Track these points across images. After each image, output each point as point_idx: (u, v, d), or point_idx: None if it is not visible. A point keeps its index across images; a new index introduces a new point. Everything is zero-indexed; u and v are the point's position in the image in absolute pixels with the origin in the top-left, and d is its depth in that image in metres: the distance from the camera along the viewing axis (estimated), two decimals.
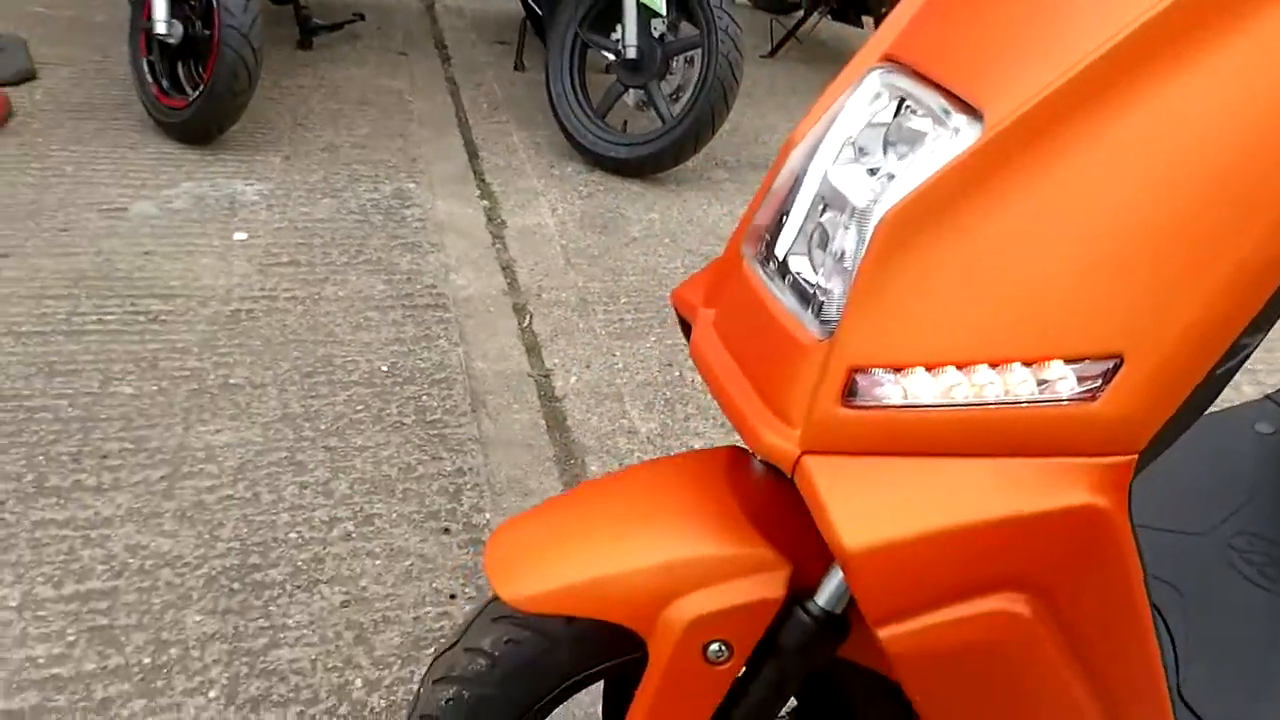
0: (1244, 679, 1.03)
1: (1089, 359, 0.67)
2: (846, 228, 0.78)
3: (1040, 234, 0.68)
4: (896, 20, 0.89)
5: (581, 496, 0.95)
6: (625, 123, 3.20)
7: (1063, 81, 0.68)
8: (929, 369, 0.71)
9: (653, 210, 2.91)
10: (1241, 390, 2.34)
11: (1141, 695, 0.81)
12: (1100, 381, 0.67)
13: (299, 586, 1.51)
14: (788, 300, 0.81)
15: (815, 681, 0.97)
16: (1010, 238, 0.69)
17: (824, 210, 0.81)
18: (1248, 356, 0.71)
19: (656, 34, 3.00)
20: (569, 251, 2.63)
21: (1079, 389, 0.68)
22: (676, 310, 1.01)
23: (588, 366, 2.16)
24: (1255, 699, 1.01)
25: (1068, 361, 0.68)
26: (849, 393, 0.73)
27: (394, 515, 1.67)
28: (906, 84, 0.79)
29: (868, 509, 0.71)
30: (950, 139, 0.73)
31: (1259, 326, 0.69)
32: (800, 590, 0.83)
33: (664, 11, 2.87)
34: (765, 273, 0.85)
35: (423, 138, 3.22)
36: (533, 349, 2.21)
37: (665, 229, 2.80)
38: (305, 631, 1.43)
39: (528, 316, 2.32)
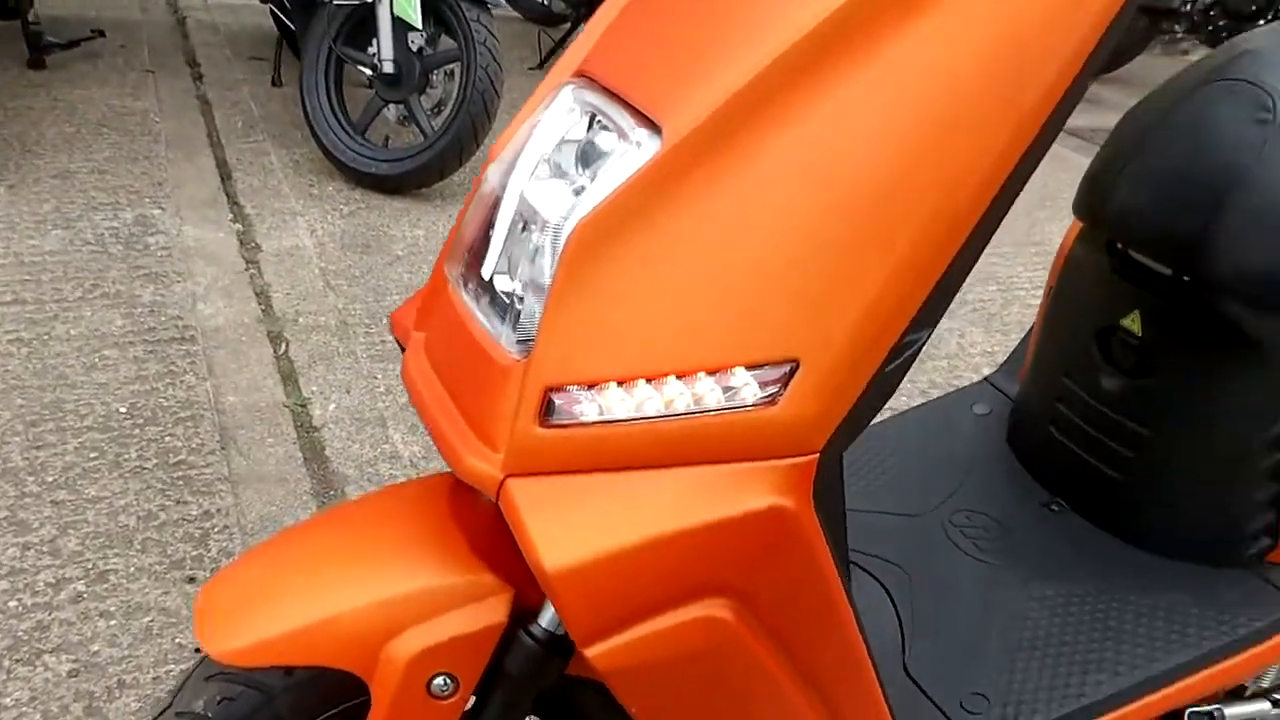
0: (960, 648, 1.10)
1: (768, 364, 0.69)
2: (541, 245, 0.77)
3: (718, 244, 0.69)
4: (590, 34, 0.89)
5: (293, 538, 0.90)
6: (387, 138, 3.12)
7: (732, 93, 0.69)
8: (621, 383, 0.71)
9: (418, 227, 2.85)
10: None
11: (850, 683, 0.84)
12: (779, 386, 0.69)
13: (19, 660, 1.37)
14: (489, 321, 0.80)
15: (548, 701, 0.96)
16: (691, 249, 0.70)
17: (523, 228, 0.80)
18: (917, 353, 0.75)
19: (415, 47, 2.94)
20: (328, 273, 2.53)
21: (761, 394, 0.69)
22: (393, 334, 0.98)
23: (348, 392, 2.09)
24: (968, 664, 1.07)
25: (749, 368, 0.69)
26: (546, 412, 0.72)
27: (132, 569, 1.55)
28: (596, 99, 0.79)
29: (567, 529, 0.70)
30: (634, 153, 0.73)
31: (923, 324, 0.72)
32: (524, 614, 0.82)
33: (420, 25, 2.81)
34: (468, 294, 0.83)
35: (170, 160, 3.03)
36: (289, 377, 2.12)
37: (430, 246, 2.75)
38: (26, 710, 1.31)
39: (284, 344, 2.22)
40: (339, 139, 2.99)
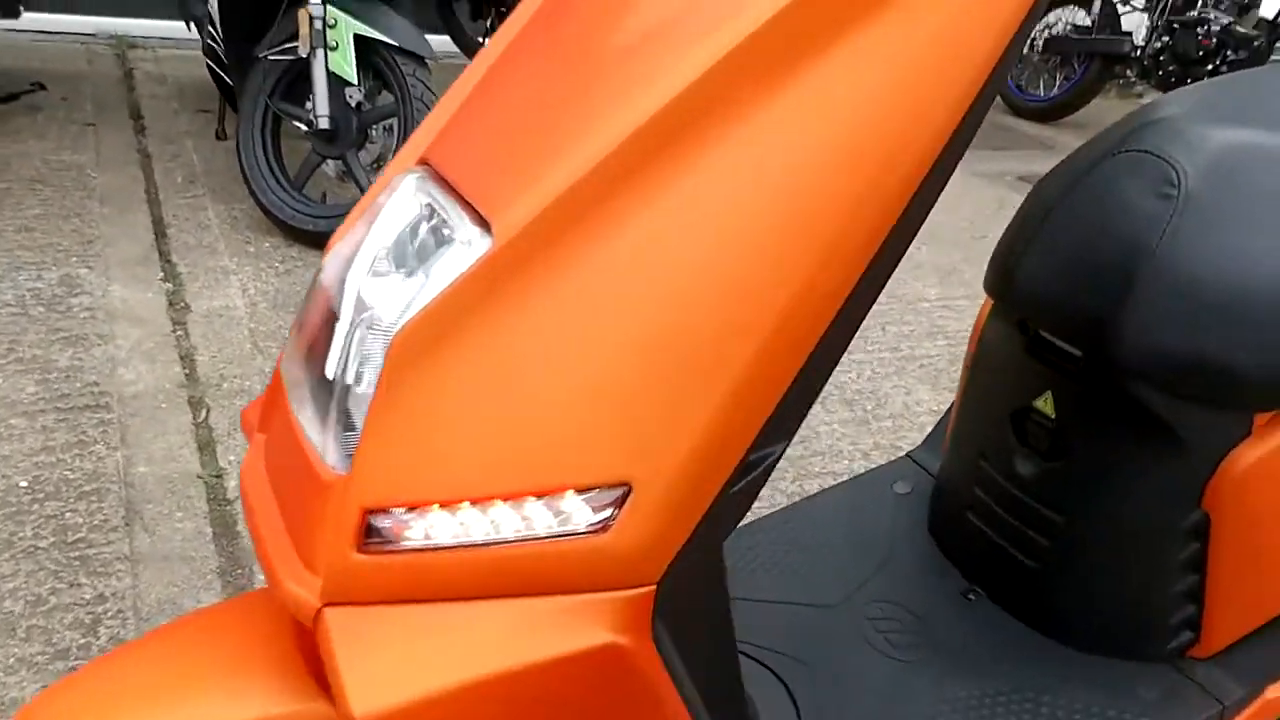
0: None
1: (598, 488, 0.63)
2: (372, 350, 0.71)
3: (545, 356, 0.63)
4: (438, 115, 0.84)
5: (124, 656, 0.83)
6: (324, 194, 3.07)
7: (560, 192, 0.64)
8: (445, 506, 0.65)
9: None
10: None
11: None
12: (612, 511, 0.63)
13: None
14: (315, 430, 0.73)
15: None
16: (517, 361, 0.64)
17: (359, 328, 0.74)
18: (769, 469, 0.69)
19: (352, 102, 2.89)
20: (258, 335, 2.46)
21: (592, 520, 0.63)
22: (244, 431, 0.92)
23: None
24: None
25: (578, 492, 0.63)
26: (366, 535, 0.66)
27: (11, 660, 1.46)
28: (434, 191, 0.74)
29: (380, 668, 0.64)
30: (464, 253, 0.68)
31: (772, 439, 0.66)
32: None
33: (355, 80, 2.77)
34: (297, 397, 0.77)
35: (102, 216, 2.97)
36: (206, 447, 2.04)
37: None
38: None
39: (204, 411, 2.14)
40: (276, 195, 2.94)
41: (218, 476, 1.96)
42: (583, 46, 0.72)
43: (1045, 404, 1.12)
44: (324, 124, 2.82)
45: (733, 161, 0.62)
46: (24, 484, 1.84)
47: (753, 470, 0.66)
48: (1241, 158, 0.99)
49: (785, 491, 2.03)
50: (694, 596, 0.69)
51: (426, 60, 2.84)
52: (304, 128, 2.87)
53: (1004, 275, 1.12)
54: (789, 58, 0.61)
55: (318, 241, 2.92)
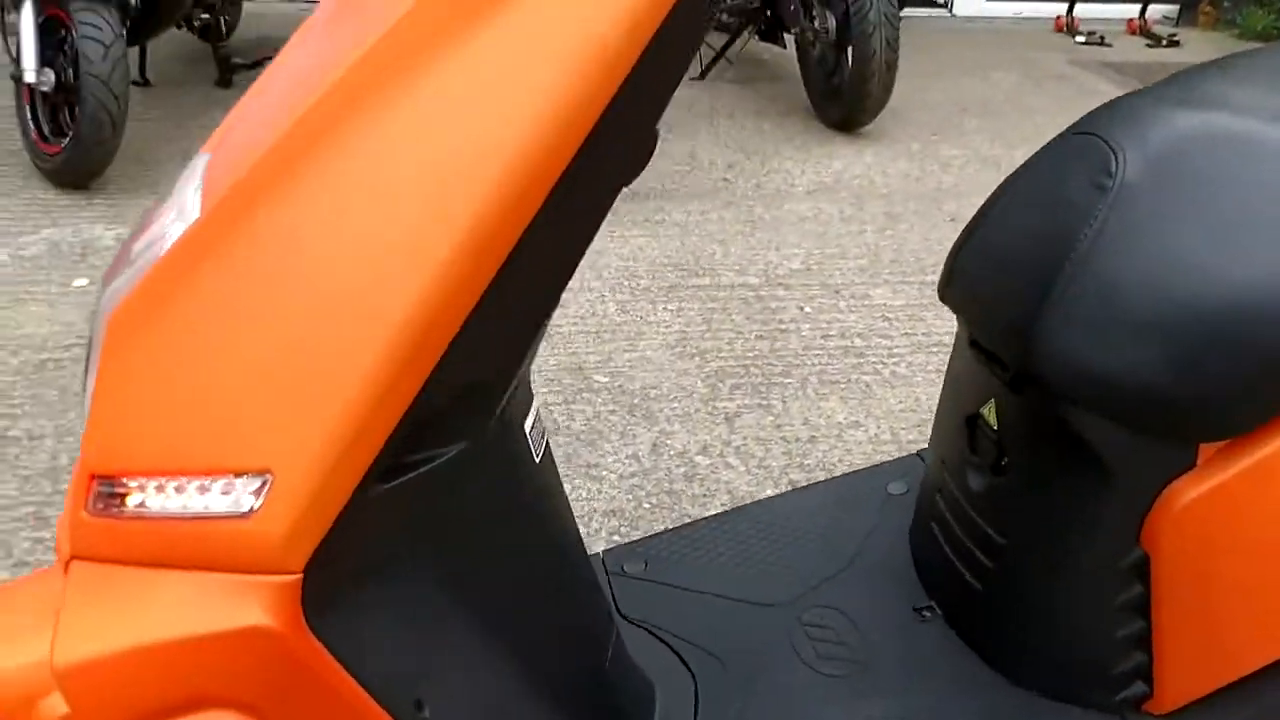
0: None
1: (245, 474, 0.65)
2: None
3: (213, 339, 0.67)
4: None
5: None
6: None
7: (241, 178, 0.67)
8: (139, 477, 0.70)
9: None
10: None
11: None
12: (256, 498, 0.65)
13: None
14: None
15: None
16: (198, 339, 0.68)
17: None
18: (433, 473, 0.69)
19: None
20: None
21: (241, 505, 0.66)
22: None
23: None
24: None
25: (229, 475, 0.66)
26: (95, 499, 0.72)
27: None
28: (197, 174, 0.78)
29: (88, 622, 0.70)
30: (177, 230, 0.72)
31: (430, 441, 0.66)
32: None
33: None
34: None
35: None
36: None
37: None
38: None
39: None
40: None
41: None
42: (320, 45, 0.73)
43: (990, 413, 1.01)
44: None
45: (373, 154, 0.63)
46: None
47: (411, 470, 0.66)
48: (1195, 145, 0.85)
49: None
50: (359, 587, 0.70)
51: None
52: None
53: (946, 271, 1.02)
54: (423, 55, 0.61)
55: None
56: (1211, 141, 0.85)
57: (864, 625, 1.13)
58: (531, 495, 0.88)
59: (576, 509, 1.91)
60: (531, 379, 0.93)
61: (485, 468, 0.78)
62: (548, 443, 0.93)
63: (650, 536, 1.29)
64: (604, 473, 2.01)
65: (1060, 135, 0.94)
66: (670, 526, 1.43)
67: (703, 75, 4.48)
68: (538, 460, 0.88)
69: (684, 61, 0.66)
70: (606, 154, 0.62)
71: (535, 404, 0.90)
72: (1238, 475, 0.86)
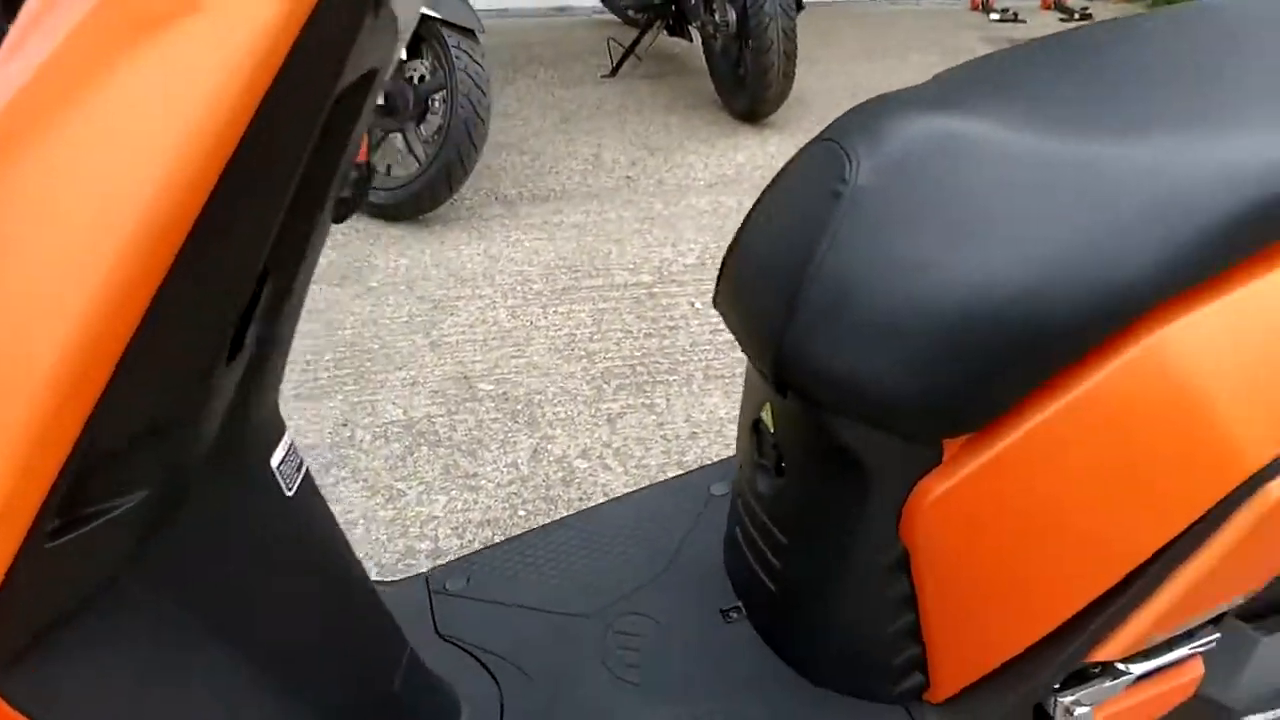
0: None
1: None
2: None
3: None
4: None
5: None
6: (389, 166, 3.18)
7: None
8: None
9: (404, 255, 2.89)
10: None
11: None
12: None
13: None
14: None
15: None
16: None
17: None
18: (116, 523, 0.68)
19: (413, 76, 2.98)
20: None
21: None
22: None
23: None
24: None
25: None
26: None
27: None
28: None
29: None
30: None
31: (92, 497, 0.66)
32: None
33: (402, 55, 2.84)
34: None
35: (400, 238, 3.21)
36: None
37: (407, 276, 2.78)
38: None
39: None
40: None
41: None
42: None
43: (767, 415, 1.02)
44: (378, 100, 2.92)
45: (40, 163, 0.61)
46: None
47: (85, 524, 0.65)
48: (926, 148, 0.85)
49: None
50: (48, 643, 0.69)
51: (477, 33, 2.88)
52: None
53: (717, 279, 1.02)
54: (85, 78, 0.60)
55: (379, 213, 3.05)
56: (944, 145, 0.85)
57: (672, 630, 1.13)
58: (285, 530, 0.88)
59: (451, 520, 1.91)
60: (284, 411, 0.93)
61: (204, 509, 0.78)
62: (307, 473, 0.92)
63: (476, 552, 1.28)
64: (482, 482, 2.01)
65: (809, 142, 0.95)
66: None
67: (614, 72, 4.47)
68: (289, 493, 0.87)
69: (326, 80, 0.65)
70: (251, 176, 0.61)
71: (289, 436, 0.90)
72: (979, 469, 0.87)
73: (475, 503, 1.96)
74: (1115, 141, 0.84)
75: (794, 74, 3.70)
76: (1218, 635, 1.00)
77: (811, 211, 0.88)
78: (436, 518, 1.92)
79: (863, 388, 0.85)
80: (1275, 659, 1.12)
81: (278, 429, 0.89)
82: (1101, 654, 0.92)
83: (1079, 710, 0.95)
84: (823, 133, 0.94)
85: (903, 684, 1.00)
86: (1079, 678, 0.96)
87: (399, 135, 3.07)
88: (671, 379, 2.33)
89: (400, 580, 1.26)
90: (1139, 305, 0.81)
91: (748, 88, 3.78)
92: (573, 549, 1.26)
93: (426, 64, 2.98)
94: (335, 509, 1.89)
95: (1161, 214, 0.80)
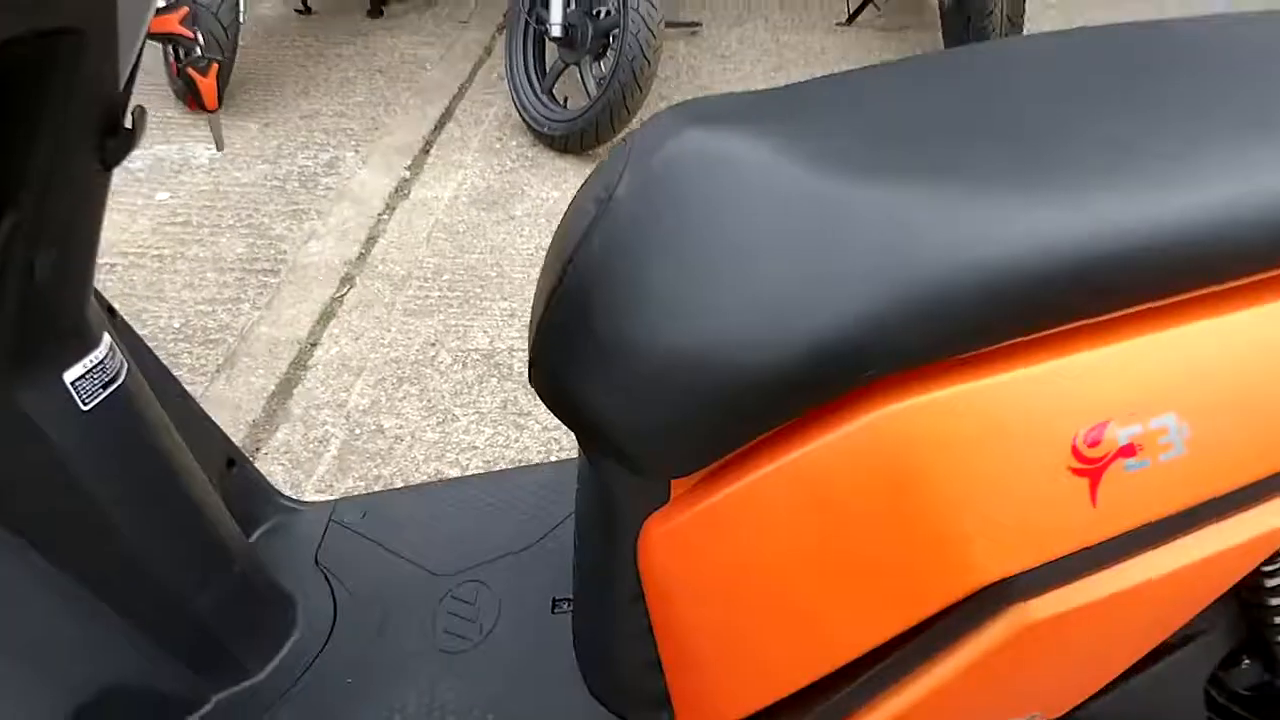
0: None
1: None
2: None
3: None
4: None
5: None
6: (565, 99, 3.23)
7: None
8: None
9: (558, 188, 2.95)
10: None
11: None
12: None
13: None
14: None
15: None
16: None
17: None
18: None
19: (598, 12, 3.01)
20: (439, 226, 2.75)
21: None
22: None
23: (357, 339, 2.31)
24: None
25: None
26: None
27: None
28: None
29: None
30: None
31: None
32: None
33: None
34: None
35: (404, 106, 3.43)
36: (325, 318, 2.39)
37: (551, 209, 2.84)
38: None
39: (348, 287, 2.50)
40: (527, 98, 3.18)
41: (314, 344, 2.30)
42: None
43: None
44: (556, 31, 2.98)
45: None
46: (176, 324, 2.33)
47: None
48: (695, 167, 0.78)
49: None
50: None
51: None
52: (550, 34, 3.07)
53: None
54: None
55: (551, 144, 3.13)
56: (709, 166, 0.77)
57: (502, 607, 1.14)
58: (81, 441, 0.97)
59: (489, 453, 1.99)
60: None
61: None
62: (125, 388, 1.00)
63: (382, 491, 1.35)
64: (530, 422, 2.07)
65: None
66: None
67: (850, 20, 4.28)
68: (85, 408, 0.96)
69: None
70: None
71: (101, 353, 0.98)
72: (698, 515, 0.80)
73: (516, 440, 2.02)
74: (896, 187, 0.73)
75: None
76: None
77: (576, 221, 0.84)
78: (476, 448, 2.01)
79: (591, 416, 0.81)
80: None
81: (81, 346, 0.97)
82: None
83: None
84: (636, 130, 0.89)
85: (654, 716, 0.96)
86: None
87: (576, 68, 3.12)
88: None
89: (311, 503, 1.34)
90: (860, 371, 0.72)
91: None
92: (464, 508, 1.29)
93: (614, 1, 2.99)
94: (391, 422, 2.02)
95: (907, 276, 0.70)
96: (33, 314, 0.90)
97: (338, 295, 2.47)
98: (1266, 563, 0.90)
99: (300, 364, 2.24)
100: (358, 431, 2.05)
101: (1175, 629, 0.82)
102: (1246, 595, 0.94)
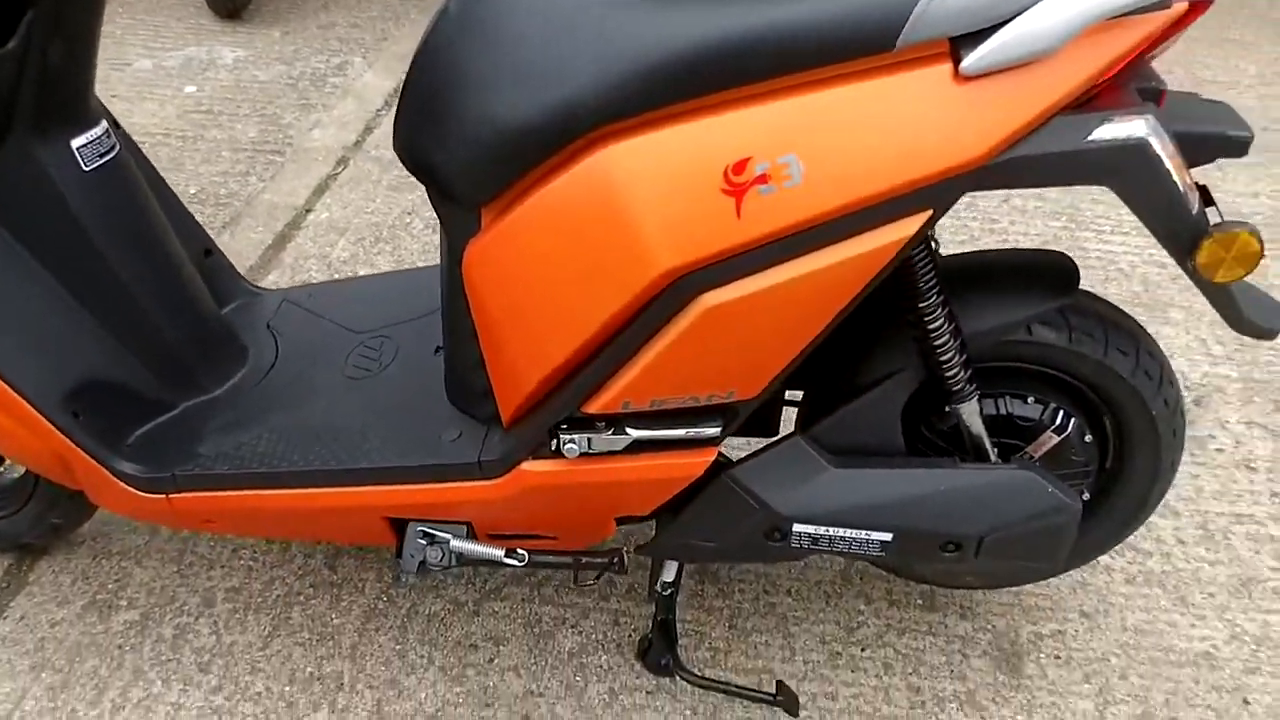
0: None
1: None
2: None
3: None
4: None
5: None
6: None
7: None
8: None
9: None
10: None
11: None
12: None
13: None
14: None
15: None
16: None
17: None
18: None
19: None
20: None
21: None
22: None
23: (345, 207, 2.68)
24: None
25: None
26: None
27: None
28: None
29: None
30: None
31: None
32: None
33: None
34: None
35: (415, 20, 3.78)
36: (320, 190, 2.76)
37: None
38: None
39: (342, 167, 2.87)
40: None
41: (308, 210, 2.68)
42: None
43: None
44: None
45: None
46: (193, 191, 2.72)
47: None
48: None
49: None
50: None
51: None
52: None
53: None
54: None
55: None
56: None
57: (399, 353, 1.51)
58: (85, 196, 1.34)
59: None
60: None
61: (17, 161, 1.25)
62: (118, 162, 1.37)
63: (331, 281, 1.71)
64: None
65: None
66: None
67: None
68: (86, 169, 1.33)
69: None
70: None
71: (99, 131, 1.35)
72: (492, 237, 1.15)
73: None
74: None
75: None
76: (717, 430, 1.23)
77: (425, 32, 1.19)
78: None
79: (422, 162, 1.16)
80: (833, 487, 1.32)
81: (86, 122, 1.34)
82: (592, 407, 1.20)
83: (568, 445, 1.23)
84: None
85: (487, 408, 1.32)
86: (586, 425, 1.24)
87: None
88: None
89: (272, 290, 1.71)
90: (586, 122, 1.06)
91: None
92: (389, 290, 1.65)
93: None
94: (365, 270, 2.39)
95: (618, 56, 1.04)
96: (47, 92, 1.27)
97: (333, 173, 2.84)
98: (921, 300, 1.24)
99: (295, 225, 2.62)
100: (336, 276, 2.42)
101: (823, 326, 1.15)
102: (918, 335, 1.27)
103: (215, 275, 1.65)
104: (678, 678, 1.51)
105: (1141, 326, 1.39)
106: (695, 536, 1.37)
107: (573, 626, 1.62)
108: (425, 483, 1.33)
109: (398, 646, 1.59)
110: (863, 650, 1.59)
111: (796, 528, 1.33)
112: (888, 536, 1.33)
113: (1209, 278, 1.14)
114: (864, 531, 1.33)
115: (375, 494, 1.34)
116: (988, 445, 1.35)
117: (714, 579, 1.70)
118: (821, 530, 1.33)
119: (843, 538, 1.33)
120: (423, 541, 1.38)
